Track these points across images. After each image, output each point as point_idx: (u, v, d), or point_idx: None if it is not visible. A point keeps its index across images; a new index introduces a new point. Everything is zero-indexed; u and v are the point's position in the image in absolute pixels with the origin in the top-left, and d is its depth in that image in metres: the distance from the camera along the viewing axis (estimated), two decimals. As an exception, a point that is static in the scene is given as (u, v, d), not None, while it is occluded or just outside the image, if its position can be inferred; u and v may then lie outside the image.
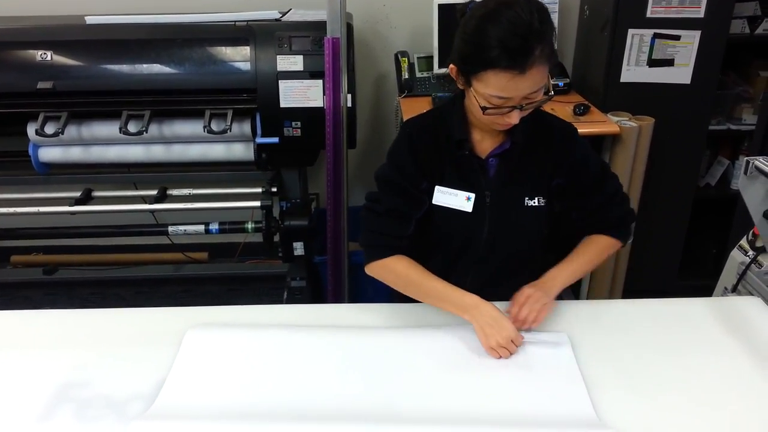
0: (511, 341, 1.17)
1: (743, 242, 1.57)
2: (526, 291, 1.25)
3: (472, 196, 1.30)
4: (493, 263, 1.38)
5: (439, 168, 1.31)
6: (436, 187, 1.32)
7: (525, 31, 1.05)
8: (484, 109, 1.15)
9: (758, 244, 1.53)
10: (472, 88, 1.17)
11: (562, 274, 1.31)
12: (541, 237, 1.40)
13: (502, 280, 1.33)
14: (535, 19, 1.06)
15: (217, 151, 2.30)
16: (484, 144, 1.31)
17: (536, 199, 1.32)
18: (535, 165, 1.32)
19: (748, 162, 1.38)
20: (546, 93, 1.17)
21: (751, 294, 1.47)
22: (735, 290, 1.54)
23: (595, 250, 1.37)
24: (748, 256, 1.52)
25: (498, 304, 1.24)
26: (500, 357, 1.16)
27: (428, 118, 1.37)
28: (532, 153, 1.31)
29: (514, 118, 1.16)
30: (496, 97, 1.12)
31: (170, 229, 2.36)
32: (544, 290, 1.26)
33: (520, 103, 1.13)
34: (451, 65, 1.19)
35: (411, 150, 1.31)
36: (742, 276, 1.51)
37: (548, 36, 1.08)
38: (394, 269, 1.30)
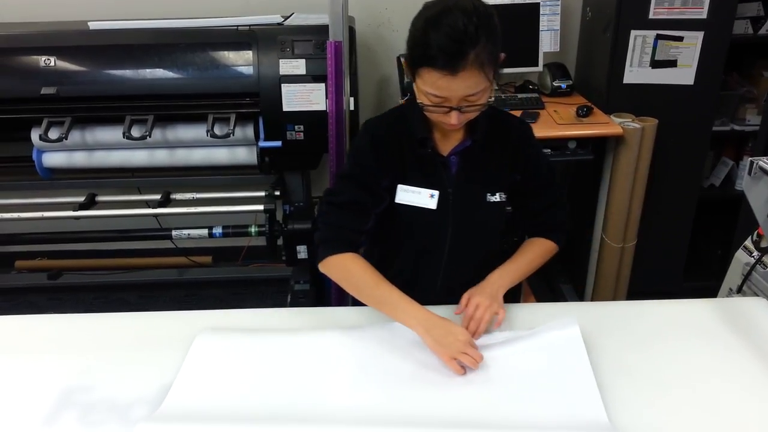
0: (469, 344, 1.16)
1: (748, 243, 1.56)
2: (474, 300, 1.25)
3: (436, 193, 1.33)
4: (461, 261, 1.40)
5: (401, 167, 1.33)
6: (399, 186, 1.34)
7: (460, 36, 1.10)
8: (422, 106, 1.21)
9: (763, 244, 1.52)
10: (415, 85, 1.22)
11: (506, 277, 1.32)
12: (502, 231, 1.45)
13: (471, 279, 1.33)
14: (472, 24, 1.11)
15: (220, 155, 2.30)
16: (445, 142, 1.34)
17: (497, 194, 1.36)
18: (494, 161, 1.36)
19: (752, 163, 1.38)
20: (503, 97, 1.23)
21: (757, 295, 1.46)
22: (740, 291, 1.53)
23: (537, 253, 1.40)
24: (753, 256, 1.51)
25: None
26: (464, 370, 1.14)
27: (389, 118, 1.40)
28: (491, 150, 1.35)
29: (453, 119, 1.19)
30: (433, 95, 1.17)
31: (174, 233, 2.36)
32: (490, 295, 1.26)
33: (459, 105, 1.17)
34: (403, 60, 1.25)
35: (373, 147, 1.33)
36: (747, 277, 1.50)
37: (484, 41, 1.12)
38: (349, 269, 1.29)
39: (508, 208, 1.43)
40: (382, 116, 1.40)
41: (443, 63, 1.11)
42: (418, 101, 1.22)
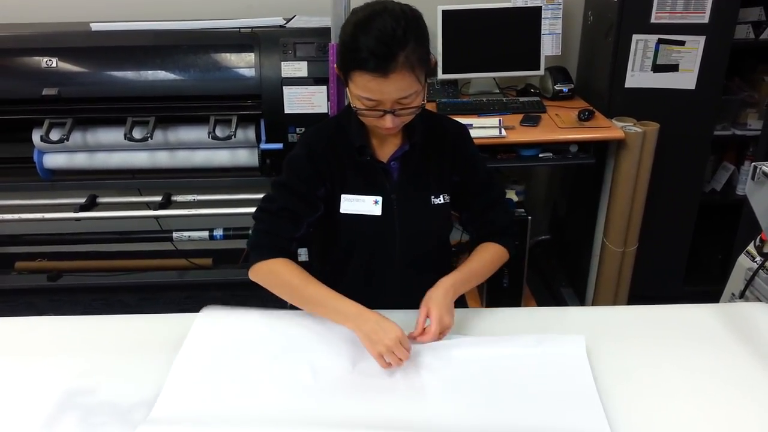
0: (400, 344, 1.13)
1: (750, 248, 1.56)
2: (433, 312, 1.20)
3: (380, 199, 1.33)
4: (413, 264, 1.39)
5: (341, 176, 1.33)
6: (342, 196, 1.33)
7: (389, 38, 1.12)
8: (356, 110, 1.21)
9: (766, 249, 1.52)
10: (348, 90, 1.22)
11: (457, 283, 1.28)
12: (449, 233, 1.46)
13: (427, 280, 1.32)
14: (400, 27, 1.12)
15: (221, 157, 2.30)
16: (384, 148, 1.35)
17: (441, 196, 1.37)
18: (434, 164, 1.37)
19: (755, 167, 1.37)
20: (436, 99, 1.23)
21: (759, 300, 1.46)
22: (743, 296, 1.52)
23: (489, 260, 1.38)
24: (756, 261, 1.51)
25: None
26: (390, 366, 1.13)
27: (326, 128, 1.39)
28: (430, 153, 1.36)
29: (388, 122, 1.20)
30: (366, 99, 1.18)
31: (174, 235, 2.36)
32: (446, 307, 1.22)
33: (392, 108, 1.18)
34: (336, 66, 1.25)
35: (310, 158, 1.32)
36: (749, 282, 1.49)
37: (413, 44, 1.14)
38: (278, 273, 1.28)
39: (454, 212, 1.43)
40: (319, 127, 1.40)
41: (374, 65, 1.12)
42: (352, 106, 1.23)
